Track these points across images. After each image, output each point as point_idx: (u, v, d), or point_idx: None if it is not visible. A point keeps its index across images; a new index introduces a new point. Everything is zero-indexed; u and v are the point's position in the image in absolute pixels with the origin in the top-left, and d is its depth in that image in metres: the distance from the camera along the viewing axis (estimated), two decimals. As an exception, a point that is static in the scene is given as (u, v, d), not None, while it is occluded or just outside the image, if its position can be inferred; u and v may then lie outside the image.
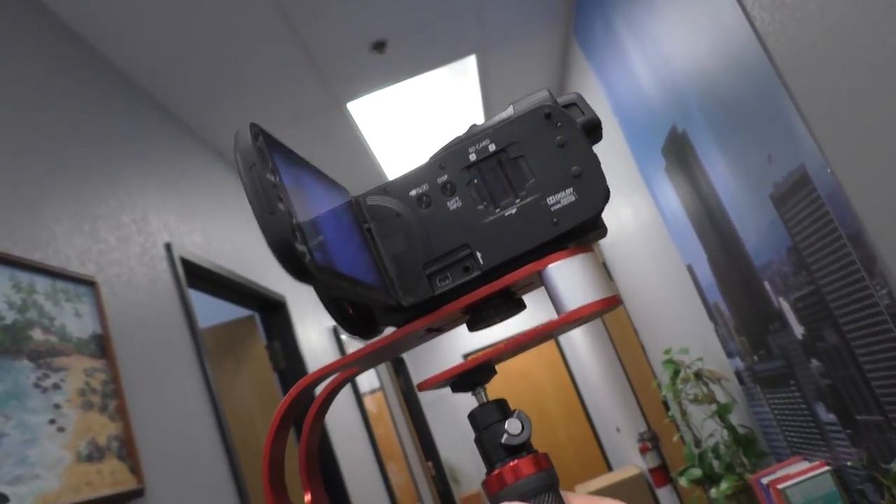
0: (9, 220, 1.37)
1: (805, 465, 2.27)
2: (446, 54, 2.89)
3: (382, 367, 4.99)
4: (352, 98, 2.94)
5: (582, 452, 7.94)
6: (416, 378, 6.66)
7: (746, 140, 1.84)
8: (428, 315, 0.35)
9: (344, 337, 3.92)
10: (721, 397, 2.76)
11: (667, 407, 4.09)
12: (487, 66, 3.12)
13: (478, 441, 0.37)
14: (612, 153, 3.14)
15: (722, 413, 2.66)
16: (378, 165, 3.73)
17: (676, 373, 2.85)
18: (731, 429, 2.66)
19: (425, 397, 6.75)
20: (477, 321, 0.37)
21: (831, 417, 2.00)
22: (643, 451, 5.17)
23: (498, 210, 0.34)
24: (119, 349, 1.57)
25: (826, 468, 2.14)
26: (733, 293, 2.39)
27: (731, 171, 2.01)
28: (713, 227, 2.32)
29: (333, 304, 0.36)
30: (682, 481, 2.82)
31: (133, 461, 1.43)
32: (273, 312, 2.99)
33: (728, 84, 1.81)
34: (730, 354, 2.65)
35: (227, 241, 2.66)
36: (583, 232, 0.35)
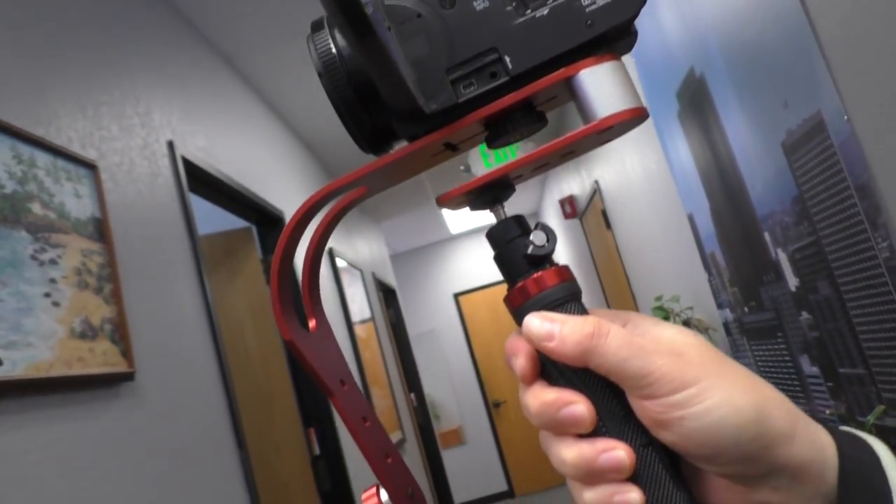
0: (13, 92, 1.35)
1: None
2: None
3: (374, 296, 5.02)
4: (366, 14, 2.87)
5: (562, 399, 8.09)
6: (407, 312, 6.72)
7: (764, 85, 1.81)
8: (449, 125, 0.34)
9: (341, 262, 3.94)
10: (707, 347, 2.79)
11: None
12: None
13: (498, 258, 0.36)
14: (624, 96, 3.10)
15: (706, 362, 2.70)
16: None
17: (666, 318, 2.87)
18: (713, 378, 2.70)
19: (414, 331, 6.82)
20: (498, 135, 0.35)
21: (814, 370, 2.03)
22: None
23: (529, 11, 0.32)
24: (117, 236, 1.56)
25: (802, 420, 2.18)
26: (731, 243, 2.39)
27: (745, 117, 1.99)
28: (720, 175, 2.31)
29: (350, 108, 0.34)
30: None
31: (125, 345, 1.45)
32: (270, 226, 2.98)
33: (753, 25, 1.77)
34: (720, 305, 2.67)
35: (230, 148, 2.64)
36: (616, 37, 0.33)
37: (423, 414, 6.04)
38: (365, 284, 4.69)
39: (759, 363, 2.44)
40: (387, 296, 5.84)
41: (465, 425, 8.09)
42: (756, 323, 2.36)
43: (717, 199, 2.39)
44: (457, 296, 8.31)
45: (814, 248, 1.80)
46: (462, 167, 4.91)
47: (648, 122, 2.87)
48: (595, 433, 0.30)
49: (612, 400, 0.31)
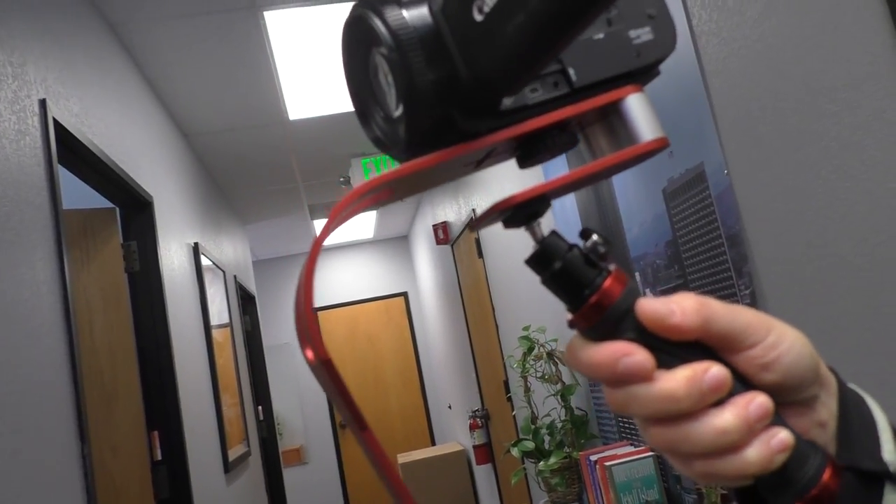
0: None
1: (631, 449, 2.44)
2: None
3: (234, 301, 4.81)
4: (271, 6, 2.78)
5: (410, 424, 8.10)
6: (264, 322, 6.49)
7: (654, 133, 1.94)
8: (512, 127, 0.33)
9: (205, 260, 3.74)
10: (567, 379, 2.91)
11: (507, 388, 4.26)
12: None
13: (560, 272, 0.33)
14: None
15: (565, 393, 2.81)
16: (279, 89, 3.57)
17: (531, 349, 2.97)
18: (569, 409, 2.81)
19: (268, 342, 6.59)
20: (535, 151, 0.35)
21: (667, 406, 2.17)
22: (473, 427, 5.36)
23: (587, 32, 0.34)
24: (-26, 191, 1.39)
25: (650, 454, 2.31)
26: (602, 281, 2.52)
27: (630, 161, 2.11)
28: (599, 214, 2.43)
29: (424, 93, 0.31)
30: (514, 452, 2.94)
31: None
32: (137, 210, 2.78)
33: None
34: (583, 339, 2.80)
35: (104, 121, 2.44)
36: (653, 71, 0.36)
37: (268, 428, 5.82)
38: (226, 287, 4.49)
39: (615, 397, 2.57)
40: (245, 302, 5.61)
41: (309, 444, 7.88)
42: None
43: (594, 238, 2.51)
44: (316, 311, 8.13)
45: (681, 290, 1.93)
46: (341, 178, 4.85)
47: (535, 158, 2.97)
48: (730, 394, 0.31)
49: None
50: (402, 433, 8.02)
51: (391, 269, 8.40)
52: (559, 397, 2.83)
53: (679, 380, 0.31)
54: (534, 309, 3.37)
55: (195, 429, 3.01)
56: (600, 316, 0.32)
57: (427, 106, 0.31)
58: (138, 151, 2.85)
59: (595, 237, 0.33)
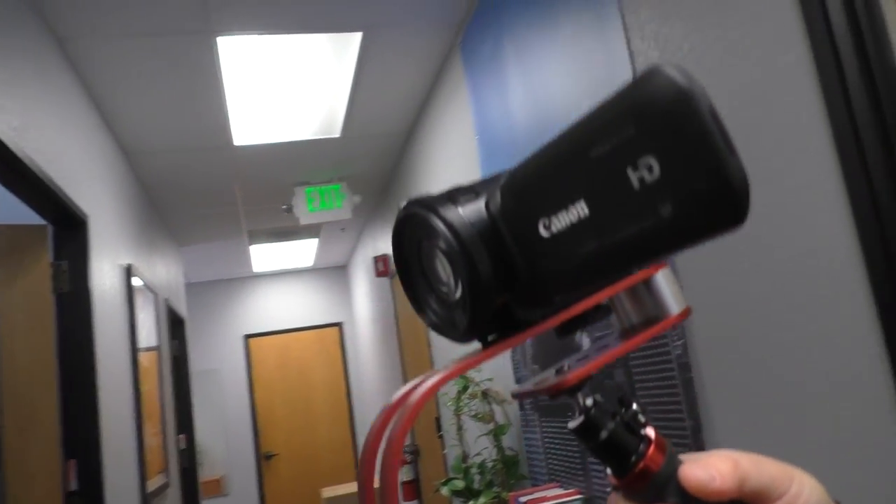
0: None
1: (560, 490, 2.48)
2: (336, 22, 2.84)
3: (164, 324, 4.67)
4: (225, 32, 2.77)
5: (336, 457, 7.95)
6: (192, 347, 6.30)
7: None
8: (562, 313, 0.34)
9: (137, 281, 3.63)
10: (500, 418, 2.93)
11: (439, 426, 4.26)
12: (369, 49, 3.11)
13: (606, 442, 0.34)
14: (460, 167, 3.26)
15: (497, 433, 2.83)
16: (226, 114, 3.54)
17: (465, 388, 2.98)
18: (500, 449, 2.84)
19: (195, 367, 6.40)
20: (573, 328, 0.35)
21: (597, 450, 2.21)
22: (401, 463, 5.30)
23: None
24: None
25: (579, 496, 2.35)
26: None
27: (573, 210, 2.18)
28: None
29: (487, 286, 0.32)
30: (444, 491, 2.94)
31: None
32: (71, 228, 2.70)
33: (595, 131, 1.98)
34: (518, 380, 2.83)
35: (44, 134, 2.37)
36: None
37: (189, 458, 5.62)
38: (157, 310, 4.36)
39: (546, 438, 2.61)
40: (175, 325, 5.45)
41: (231, 475, 7.63)
42: (550, 401, 2.54)
43: (534, 281, 2.57)
44: (247, 337, 7.97)
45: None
46: (284, 206, 4.82)
47: (479, 199, 3.03)
48: None
49: None
50: (329, 466, 7.87)
51: (328, 298, 8.31)
52: (491, 437, 2.85)
53: None
54: (470, 348, 3.39)
55: (114, 458, 2.90)
56: (646, 483, 0.34)
57: (488, 296, 0.32)
58: (77, 168, 2.77)
59: (635, 406, 0.35)
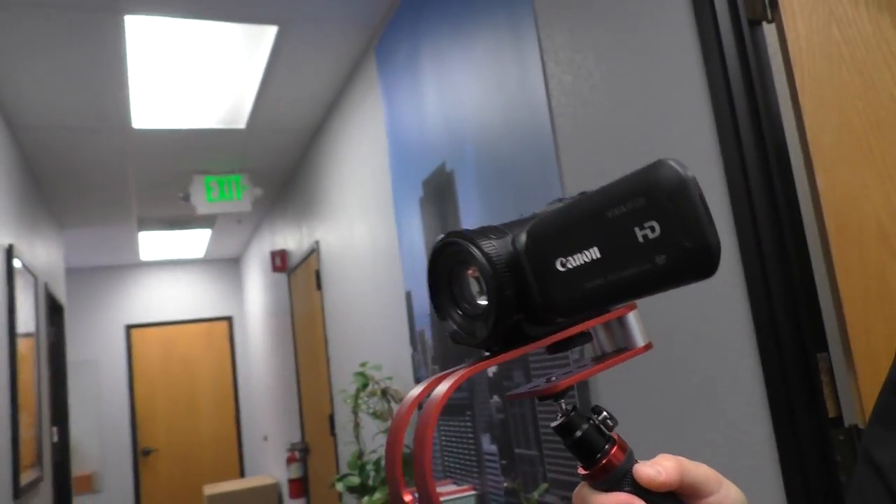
0: None
1: (453, 487, 2.56)
2: (252, 12, 2.81)
3: (42, 310, 4.41)
4: (135, 11, 2.68)
5: (220, 454, 7.74)
6: (70, 335, 5.96)
7: (506, 188, 2.11)
8: (559, 333, 0.41)
9: (17, 263, 3.42)
10: (397, 416, 2.98)
11: (332, 423, 4.26)
12: (283, 43, 3.08)
13: (580, 439, 0.42)
14: (370, 169, 3.29)
15: (395, 430, 2.88)
16: (127, 95, 3.40)
17: (365, 385, 3.02)
18: (397, 446, 2.89)
19: (72, 357, 6.05)
20: (563, 347, 0.43)
21: (493, 448, 2.31)
22: (290, 461, 5.25)
23: None
24: None
25: (472, 492, 2.45)
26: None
27: (481, 217, 2.27)
28: (446, 262, 2.56)
29: (508, 306, 0.39)
30: (339, 487, 2.96)
31: None
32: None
33: (509, 145, 2.08)
34: (418, 379, 2.90)
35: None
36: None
37: (62, 452, 5.32)
38: (37, 295, 4.11)
39: (443, 437, 2.69)
40: (53, 312, 5.15)
41: (105, 471, 7.27)
42: (449, 400, 2.61)
43: (439, 283, 2.64)
44: (129, 328, 7.61)
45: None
46: (181, 194, 4.66)
47: (387, 198, 3.08)
48: None
49: None
50: (211, 463, 7.64)
51: (218, 291, 8.07)
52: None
53: None
54: (370, 346, 3.43)
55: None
56: (608, 475, 0.42)
57: (509, 313, 0.40)
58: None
59: (605, 413, 0.43)
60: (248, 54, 3.19)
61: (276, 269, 5.44)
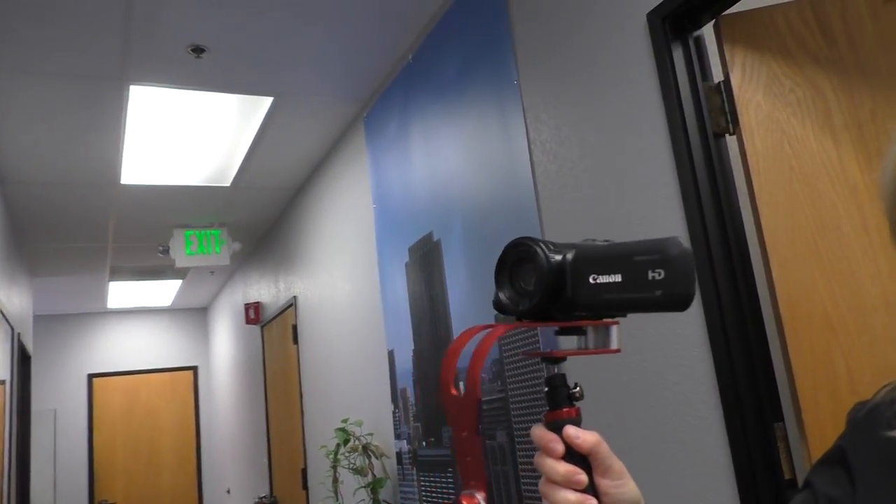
0: None
1: (434, 542, 2.66)
2: (252, 84, 2.98)
3: (15, 360, 4.40)
4: (140, 81, 2.83)
5: (179, 507, 7.60)
6: (38, 381, 5.89)
7: (492, 260, 2.29)
8: (574, 321, 0.59)
9: (-2, 314, 3.45)
10: (378, 472, 3.09)
11: (304, 477, 4.30)
12: (277, 112, 3.26)
13: (552, 391, 0.60)
14: (354, 230, 3.45)
15: (375, 486, 2.98)
16: (120, 155, 3.52)
17: (346, 441, 3.12)
18: (377, 502, 2.99)
19: (38, 405, 5.97)
20: (568, 333, 0.61)
21: (474, 504, 2.43)
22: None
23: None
24: None
25: (452, 547, 2.55)
26: (426, 385, 2.78)
27: (467, 286, 2.45)
28: (432, 325, 2.72)
29: (547, 294, 0.57)
30: (318, 541, 3.02)
31: None
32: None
33: (497, 221, 2.27)
34: (398, 436, 3.01)
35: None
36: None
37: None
38: (12, 345, 4.12)
39: (424, 492, 2.80)
40: (22, 363, 5.11)
41: (58, 525, 7.07)
42: (430, 457, 2.74)
43: (423, 344, 2.79)
44: (91, 376, 7.52)
45: (501, 402, 2.25)
46: (160, 247, 4.75)
47: (371, 259, 3.24)
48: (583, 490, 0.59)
49: (590, 475, 0.59)
50: (170, 517, 7.50)
51: (184, 340, 8.04)
52: (369, 490, 3.00)
53: (564, 468, 0.58)
54: (349, 401, 3.53)
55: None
56: (556, 422, 0.59)
57: (548, 298, 0.58)
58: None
59: (579, 388, 0.60)
60: (241, 120, 3.36)
61: (249, 321, 5.51)
